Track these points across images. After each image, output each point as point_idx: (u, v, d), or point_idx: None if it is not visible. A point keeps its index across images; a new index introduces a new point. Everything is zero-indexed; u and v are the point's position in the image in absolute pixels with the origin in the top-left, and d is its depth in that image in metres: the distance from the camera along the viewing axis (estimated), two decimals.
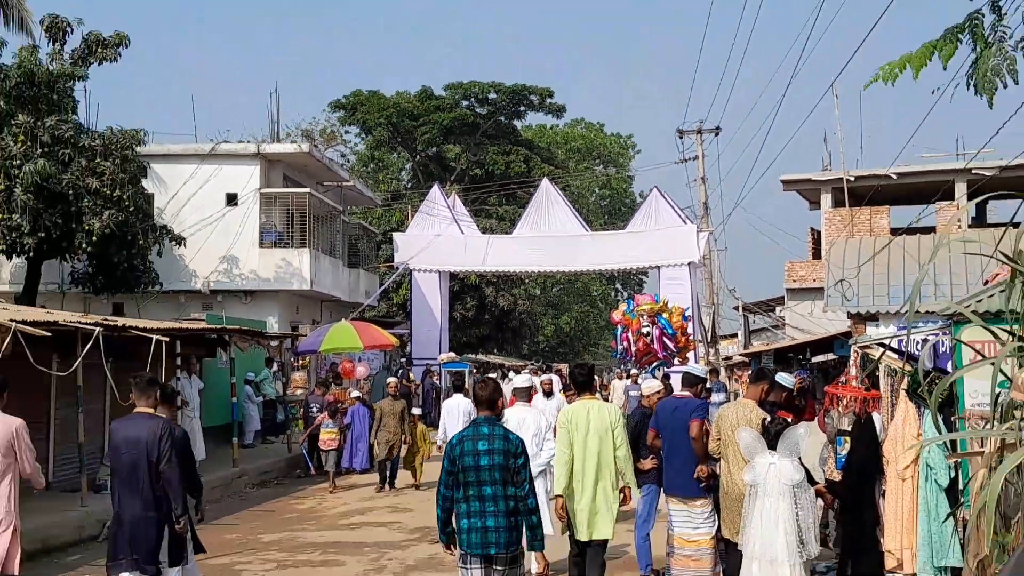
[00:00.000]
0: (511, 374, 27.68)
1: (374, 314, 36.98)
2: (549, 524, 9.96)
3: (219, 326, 21.08)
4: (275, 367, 25.55)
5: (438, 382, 31.52)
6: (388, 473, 18.40)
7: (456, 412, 16.76)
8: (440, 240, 36.76)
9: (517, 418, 10.99)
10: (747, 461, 8.90)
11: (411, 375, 32.81)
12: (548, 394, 16.45)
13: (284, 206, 32.90)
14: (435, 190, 39.09)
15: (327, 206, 35.05)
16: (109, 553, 8.92)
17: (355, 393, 22.01)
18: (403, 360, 34.82)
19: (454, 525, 7.41)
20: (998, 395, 6.76)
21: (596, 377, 18.44)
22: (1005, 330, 6.95)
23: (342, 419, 20.28)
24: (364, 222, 42.93)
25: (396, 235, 38.68)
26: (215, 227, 30.20)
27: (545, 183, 38.85)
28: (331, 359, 25.45)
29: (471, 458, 7.35)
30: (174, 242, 26.50)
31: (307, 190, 32.66)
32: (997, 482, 5.63)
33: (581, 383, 10.41)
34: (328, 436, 19.39)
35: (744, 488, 8.95)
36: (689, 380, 10.43)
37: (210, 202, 30.49)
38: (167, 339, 15.81)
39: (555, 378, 23.73)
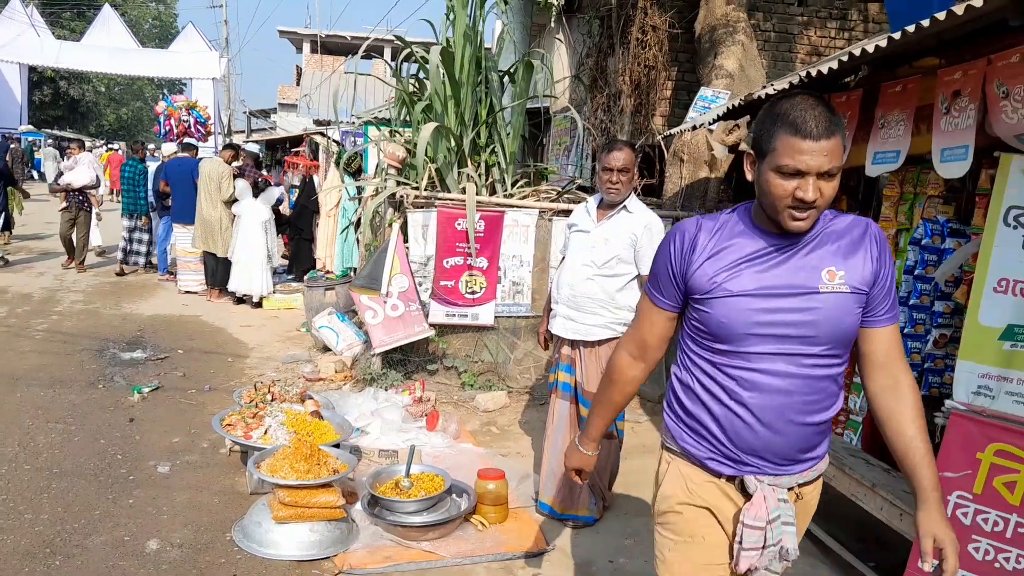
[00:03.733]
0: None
1: None
2: None
3: None
4: None
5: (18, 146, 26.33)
6: None
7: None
8: (19, 39, 30.44)
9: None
10: (232, 200, 8.51)
11: None
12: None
13: None
14: (15, 1, 31.99)
15: None
16: None
17: None
18: None
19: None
20: (378, 162, 7.01)
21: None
22: (388, 128, 7.19)
23: None
24: None
25: None
26: None
27: (107, 7, 33.44)
28: None
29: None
30: None
31: None
32: (371, 208, 5.87)
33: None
34: None
35: (213, 215, 8.57)
36: (186, 146, 10.06)
37: None
38: None
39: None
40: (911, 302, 3.36)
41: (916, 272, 3.33)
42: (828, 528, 3.70)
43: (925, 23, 2.47)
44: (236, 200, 8.56)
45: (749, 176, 1.71)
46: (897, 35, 2.62)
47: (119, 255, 10.36)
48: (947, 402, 2.66)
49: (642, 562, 3.51)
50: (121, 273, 10.17)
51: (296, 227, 9.69)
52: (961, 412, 2.60)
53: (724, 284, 1.69)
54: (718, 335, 1.72)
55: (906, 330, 3.37)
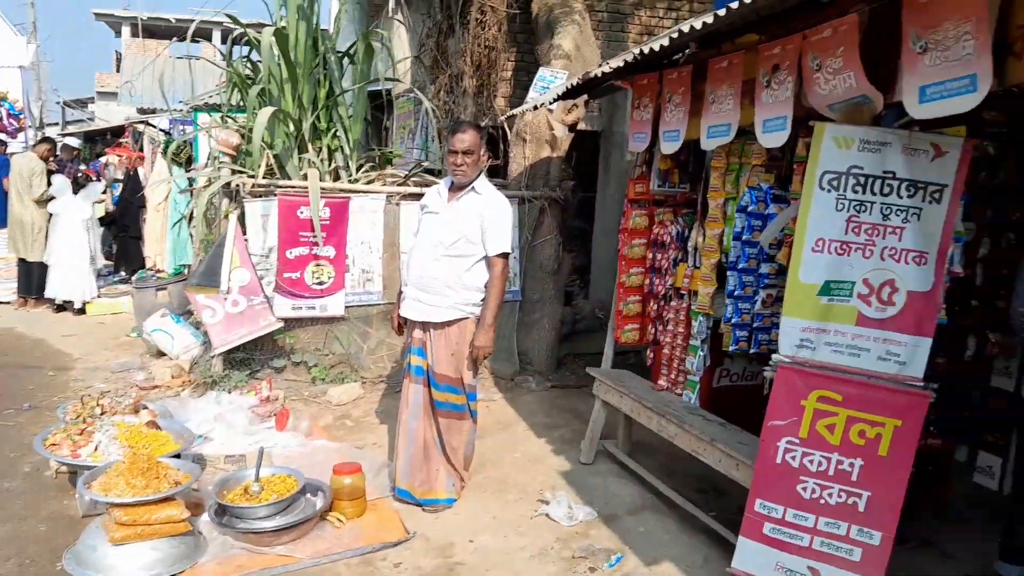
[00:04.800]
0: None
1: None
2: None
3: None
4: None
5: None
6: None
7: None
8: None
9: None
10: (44, 199, 7.74)
11: None
12: None
13: None
14: None
15: None
16: None
17: None
18: None
19: None
20: (210, 151, 6.60)
21: None
22: (219, 114, 6.76)
23: None
24: None
25: None
26: None
27: None
28: None
29: None
30: None
31: None
32: (204, 200, 5.52)
33: None
34: None
35: (25, 216, 7.75)
36: None
37: None
38: None
39: None
40: (740, 266, 3.54)
41: (744, 238, 3.51)
42: (672, 484, 3.90)
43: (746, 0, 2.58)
44: (51, 199, 7.80)
45: None
46: (722, 11, 2.74)
47: None
48: (773, 356, 2.83)
49: (502, 537, 3.52)
50: None
51: (121, 224, 8.95)
52: (786, 364, 2.78)
53: None
54: None
55: (736, 292, 3.56)
